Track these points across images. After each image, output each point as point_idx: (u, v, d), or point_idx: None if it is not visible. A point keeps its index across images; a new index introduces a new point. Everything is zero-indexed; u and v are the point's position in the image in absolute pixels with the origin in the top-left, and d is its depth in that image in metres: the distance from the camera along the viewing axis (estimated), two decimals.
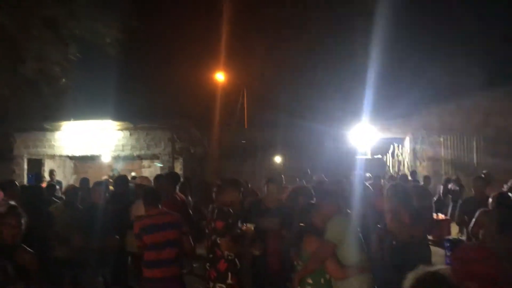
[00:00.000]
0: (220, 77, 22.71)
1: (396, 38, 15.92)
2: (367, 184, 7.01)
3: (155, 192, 4.99)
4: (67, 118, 13.10)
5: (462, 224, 6.68)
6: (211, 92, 22.23)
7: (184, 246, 4.66)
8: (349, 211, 4.06)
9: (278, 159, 17.24)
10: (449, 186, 11.48)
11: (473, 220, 4.96)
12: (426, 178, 11.25)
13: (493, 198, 5.03)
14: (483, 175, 8.33)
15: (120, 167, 15.41)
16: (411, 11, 16.66)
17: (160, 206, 4.71)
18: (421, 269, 1.97)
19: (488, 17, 16.30)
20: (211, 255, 4.28)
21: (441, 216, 10.41)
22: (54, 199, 7.15)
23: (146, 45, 20.40)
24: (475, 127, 15.56)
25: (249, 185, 9.90)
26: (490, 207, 5.08)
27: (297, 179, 8.84)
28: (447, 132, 15.90)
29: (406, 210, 4.70)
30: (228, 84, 23.04)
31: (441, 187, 11.75)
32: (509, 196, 5.10)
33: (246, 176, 13.54)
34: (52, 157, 14.27)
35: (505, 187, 7.65)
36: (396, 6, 15.17)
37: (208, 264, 4.33)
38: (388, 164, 16.79)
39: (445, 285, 1.86)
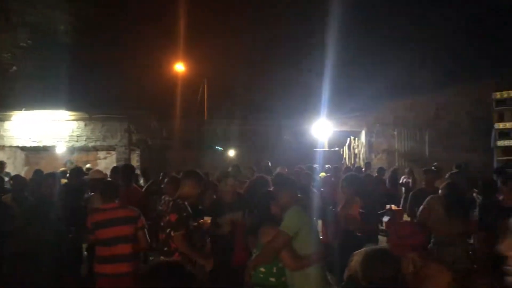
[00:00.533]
0: (180, 67, 22.39)
1: (353, 35, 16.27)
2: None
3: (113, 185, 4.85)
4: (18, 107, 12.57)
5: (412, 215, 6.93)
6: (170, 83, 21.90)
7: (140, 242, 4.55)
8: (307, 201, 4.10)
9: (237, 151, 17.25)
10: (402, 178, 11.88)
11: (423, 205, 5.11)
12: (380, 169, 11.60)
13: (442, 188, 5.24)
14: (433, 168, 8.70)
15: (74, 158, 14.99)
16: (367, 9, 17.04)
17: (117, 200, 4.60)
18: (369, 247, 2.33)
19: (442, 17, 16.88)
20: (165, 248, 4.25)
21: (394, 207, 10.78)
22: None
23: (102, 33, 19.81)
24: (427, 121, 16.17)
25: (209, 177, 9.88)
26: None
27: (254, 169, 8.85)
28: (400, 126, 16.45)
29: (360, 199, 4.86)
30: (188, 75, 22.76)
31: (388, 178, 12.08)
32: (456, 185, 5.33)
33: (206, 168, 13.50)
34: (2, 148, 13.68)
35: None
36: (353, 3, 15.47)
37: (162, 257, 4.30)
38: (344, 156, 17.17)
39: (390, 258, 2.21)
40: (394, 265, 2.18)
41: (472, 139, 14.93)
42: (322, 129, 16.11)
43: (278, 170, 8.12)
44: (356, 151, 16.93)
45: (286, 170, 8.08)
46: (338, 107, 16.04)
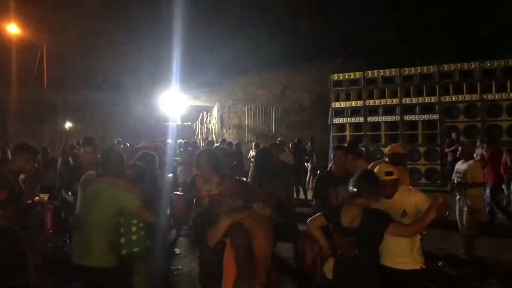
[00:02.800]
0: (13, 29, 19.72)
1: (202, 11, 16.23)
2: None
3: None
4: None
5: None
6: (1, 46, 19.15)
7: None
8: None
9: (80, 123, 16.00)
10: (251, 152, 12.42)
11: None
12: (229, 143, 11.94)
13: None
14: (278, 142, 9.27)
15: None
16: None
17: None
18: None
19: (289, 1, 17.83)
20: None
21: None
22: None
23: None
24: (275, 98, 17.17)
25: (49, 152, 8.97)
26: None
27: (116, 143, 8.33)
28: (250, 103, 17.16)
29: (215, 172, 4.78)
30: (24, 39, 20.14)
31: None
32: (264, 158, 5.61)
33: (45, 141, 12.27)
34: None
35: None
36: None
37: None
38: (197, 131, 17.29)
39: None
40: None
41: (313, 117, 16.37)
42: (174, 103, 15.89)
43: (141, 143, 7.74)
44: (209, 126, 17.17)
45: (150, 143, 7.73)
46: (190, 82, 15.97)
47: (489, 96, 11.83)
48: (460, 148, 6.27)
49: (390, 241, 3.13)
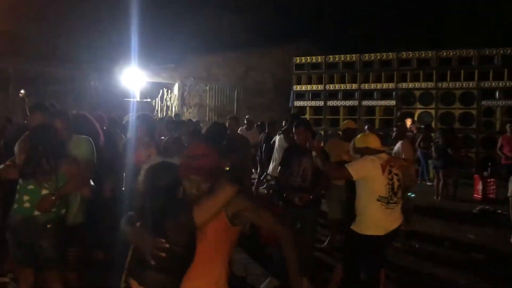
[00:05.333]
0: None
1: None
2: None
3: None
4: None
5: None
6: None
7: None
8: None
9: (35, 96, 15.28)
10: None
11: None
12: (189, 121, 11.83)
13: None
14: (245, 120, 9.40)
15: None
16: None
17: None
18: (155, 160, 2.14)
19: None
20: None
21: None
22: None
23: None
24: (237, 79, 17.09)
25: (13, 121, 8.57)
26: None
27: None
28: (212, 82, 17.00)
29: (151, 140, 4.70)
30: None
31: None
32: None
33: None
34: None
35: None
36: None
37: None
38: (157, 108, 16.97)
39: (171, 173, 2.02)
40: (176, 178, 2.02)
41: (274, 99, 16.44)
42: (133, 79, 15.50)
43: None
44: (169, 103, 16.90)
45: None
46: (151, 58, 15.56)
47: (443, 85, 12.30)
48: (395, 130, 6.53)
49: None
